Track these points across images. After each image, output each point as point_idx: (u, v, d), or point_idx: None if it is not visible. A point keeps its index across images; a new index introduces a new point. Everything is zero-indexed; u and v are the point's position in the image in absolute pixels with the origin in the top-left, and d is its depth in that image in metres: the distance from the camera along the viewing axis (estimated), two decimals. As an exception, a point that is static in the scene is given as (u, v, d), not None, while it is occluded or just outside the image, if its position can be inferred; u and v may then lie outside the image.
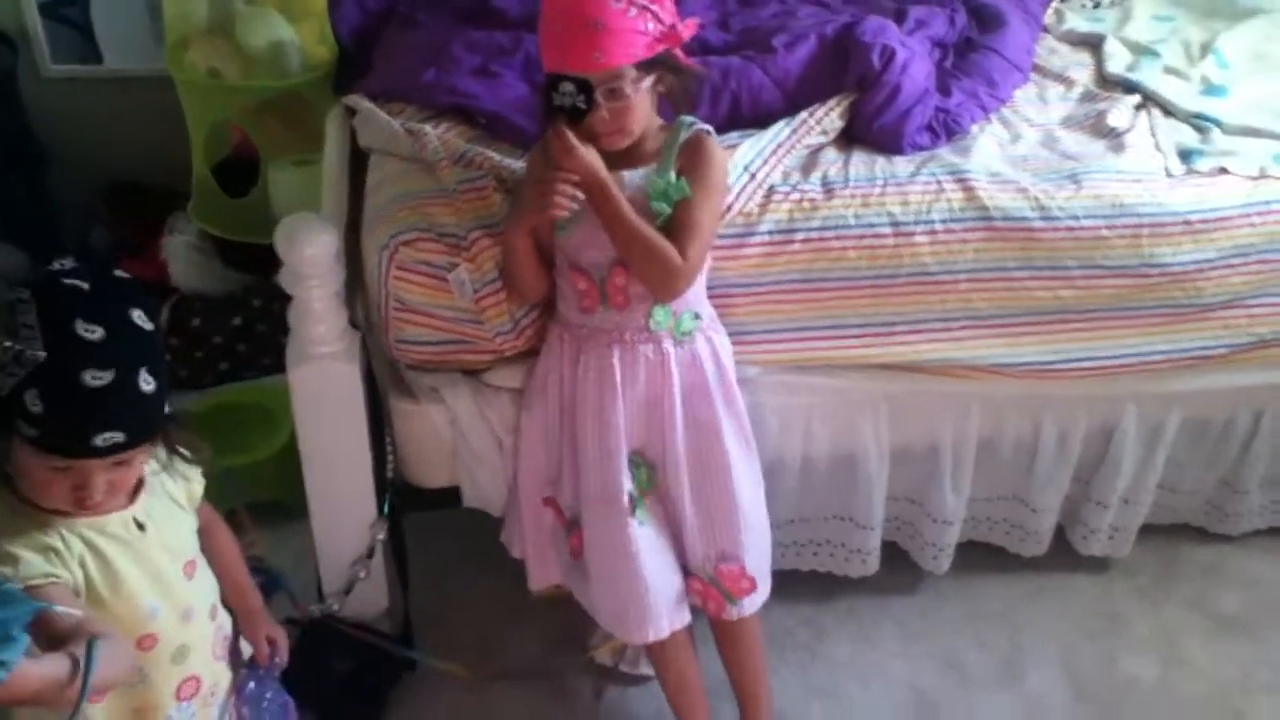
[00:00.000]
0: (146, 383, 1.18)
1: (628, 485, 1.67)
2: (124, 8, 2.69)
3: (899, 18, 2.22)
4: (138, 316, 1.20)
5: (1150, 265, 1.85)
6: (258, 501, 2.16)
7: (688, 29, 1.61)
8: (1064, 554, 2.18)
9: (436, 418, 1.80)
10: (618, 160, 1.63)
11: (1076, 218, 1.82)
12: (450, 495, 1.89)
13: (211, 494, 2.17)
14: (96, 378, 1.14)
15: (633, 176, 1.63)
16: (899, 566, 2.12)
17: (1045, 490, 2.05)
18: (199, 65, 2.21)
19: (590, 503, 1.70)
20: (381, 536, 1.83)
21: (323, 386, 1.70)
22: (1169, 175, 1.89)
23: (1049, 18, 2.50)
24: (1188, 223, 1.85)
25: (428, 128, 1.89)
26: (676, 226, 1.61)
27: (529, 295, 1.72)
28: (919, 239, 1.80)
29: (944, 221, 1.81)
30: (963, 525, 2.08)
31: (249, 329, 2.52)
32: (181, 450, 1.34)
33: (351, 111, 2.08)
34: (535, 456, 1.77)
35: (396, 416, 1.82)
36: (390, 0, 2.37)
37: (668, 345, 1.67)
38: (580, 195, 1.57)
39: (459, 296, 1.72)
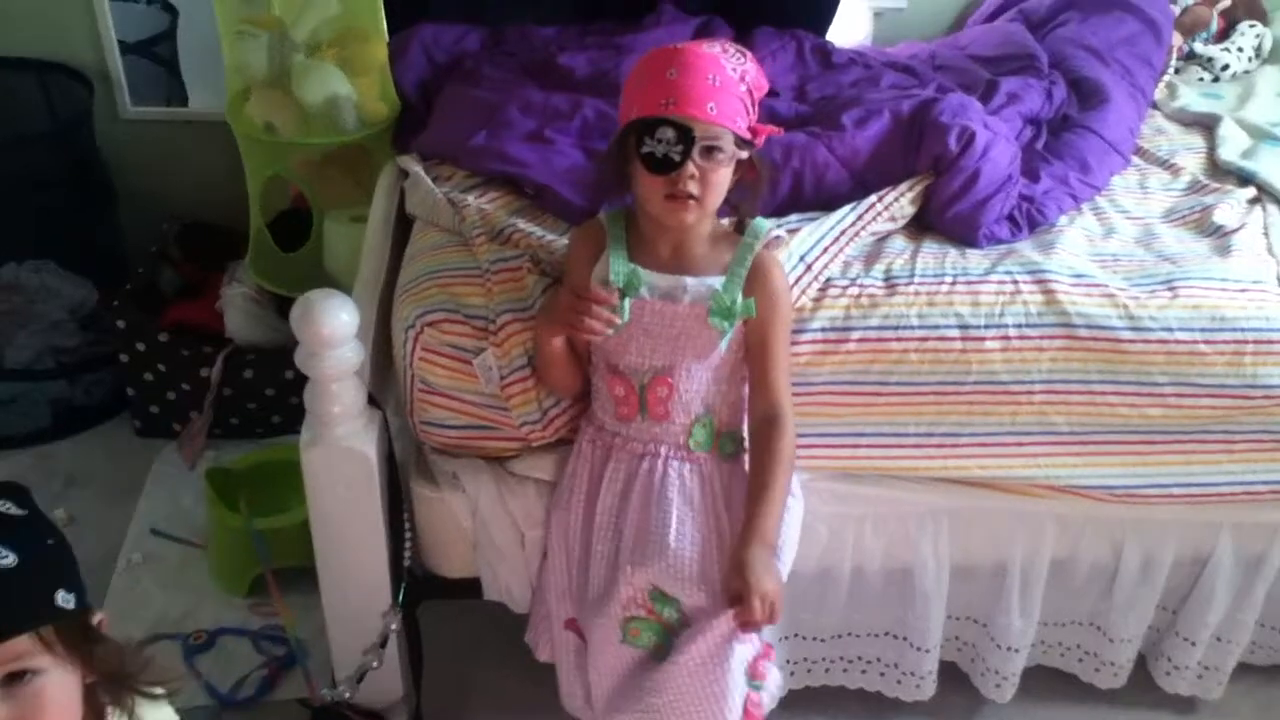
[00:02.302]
0: (1, 556, 0.96)
1: (629, 611, 1.55)
2: (212, 49, 2.68)
3: (990, 90, 2.07)
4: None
5: (1254, 386, 1.65)
6: (288, 567, 2.09)
7: (764, 132, 1.51)
8: (1146, 689, 1.97)
9: (457, 506, 1.70)
10: (677, 263, 1.54)
11: (1170, 329, 1.64)
12: (470, 585, 1.78)
13: (238, 557, 2.16)
14: None
15: (695, 285, 1.52)
16: (958, 688, 1.94)
17: (1126, 619, 1.85)
18: (256, 118, 2.18)
19: (589, 615, 1.58)
20: (395, 627, 1.73)
21: (337, 469, 1.61)
22: (1281, 285, 1.69)
23: (1160, 92, 2.31)
24: (1300, 340, 1.65)
25: (470, 198, 1.80)
26: (763, 371, 1.54)
27: (560, 391, 1.62)
28: (989, 344, 1.64)
29: (1018, 326, 1.64)
30: (1031, 649, 1.89)
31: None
32: (130, 680, 1.07)
33: (405, 172, 2.01)
34: (558, 571, 1.65)
35: (416, 502, 1.72)
36: (457, 52, 2.31)
37: (709, 468, 1.56)
38: (618, 320, 1.49)
39: (484, 383, 1.62)
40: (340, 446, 1.59)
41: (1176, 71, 2.38)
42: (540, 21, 2.39)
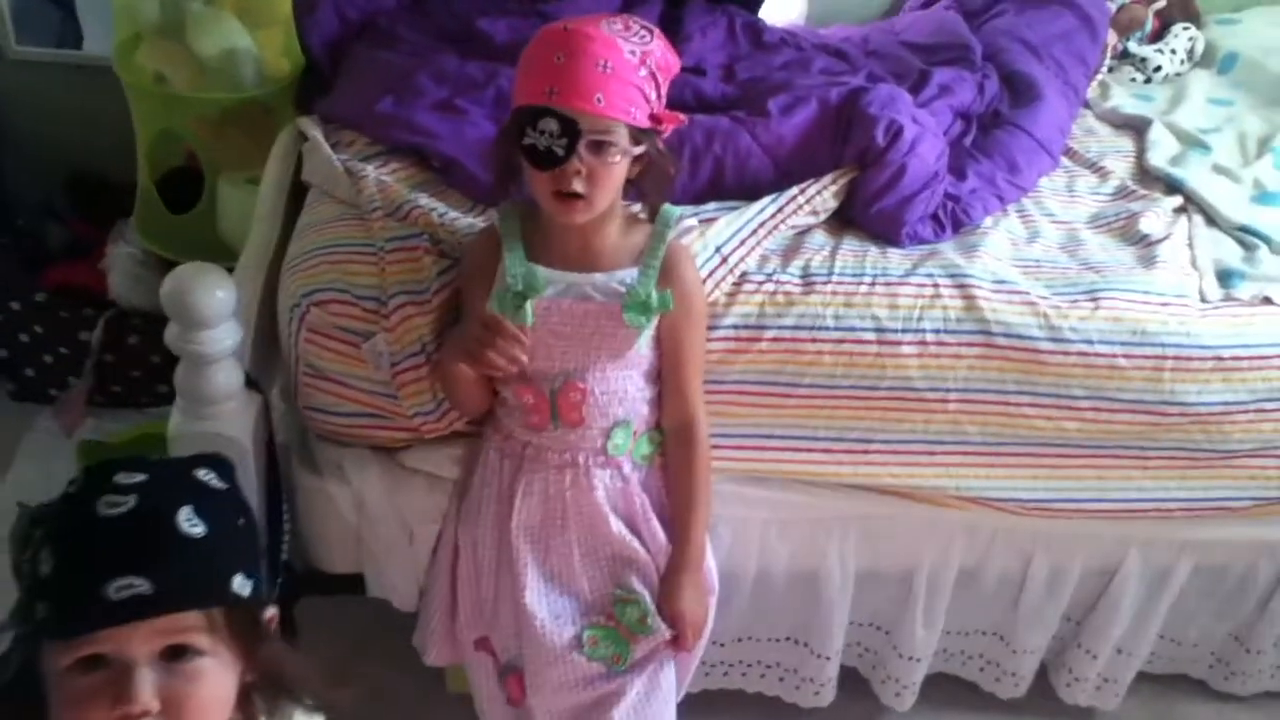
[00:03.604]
0: (191, 523, 0.91)
1: (590, 619, 1.47)
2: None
3: (922, 80, 2.00)
4: (200, 473, 0.96)
5: (1170, 402, 1.61)
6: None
7: (670, 121, 1.40)
8: (1045, 697, 1.94)
9: (341, 498, 1.59)
10: (584, 258, 1.43)
11: (1090, 341, 1.59)
12: (354, 581, 1.69)
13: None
14: (113, 504, 0.89)
15: (605, 280, 1.43)
16: (857, 694, 1.90)
17: (1030, 630, 1.82)
18: (146, 69, 2.02)
19: (525, 637, 1.47)
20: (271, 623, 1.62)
21: (210, 457, 1.50)
22: (1203, 300, 1.65)
23: (1092, 91, 2.26)
24: (1219, 359, 1.61)
25: (370, 169, 1.69)
26: (676, 374, 1.46)
27: (469, 412, 1.53)
28: (906, 349, 1.58)
29: (936, 331, 1.58)
30: (933, 657, 1.85)
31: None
32: (290, 687, 1.01)
33: (305, 136, 1.88)
34: (467, 585, 1.54)
35: (298, 493, 1.62)
36: (372, 10, 2.18)
37: (629, 470, 1.48)
38: (523, 359, 1.38)
39: (373, 368, 1.51)
40: (211, 433, 1.48)
41: (1110, 70, 2.33)
42: (459, -18, 2.26)
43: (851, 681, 1.88)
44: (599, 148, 1.34)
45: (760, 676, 1.84)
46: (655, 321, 1.44)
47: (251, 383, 1.54)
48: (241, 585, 0.94)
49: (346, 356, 1.53)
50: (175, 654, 0.91)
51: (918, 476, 1.64)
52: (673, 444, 1.49)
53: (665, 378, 1.48)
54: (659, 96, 1.39)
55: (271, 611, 1.01)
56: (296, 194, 1.82)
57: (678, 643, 1.46)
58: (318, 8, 2.11)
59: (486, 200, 1.67)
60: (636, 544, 1.47)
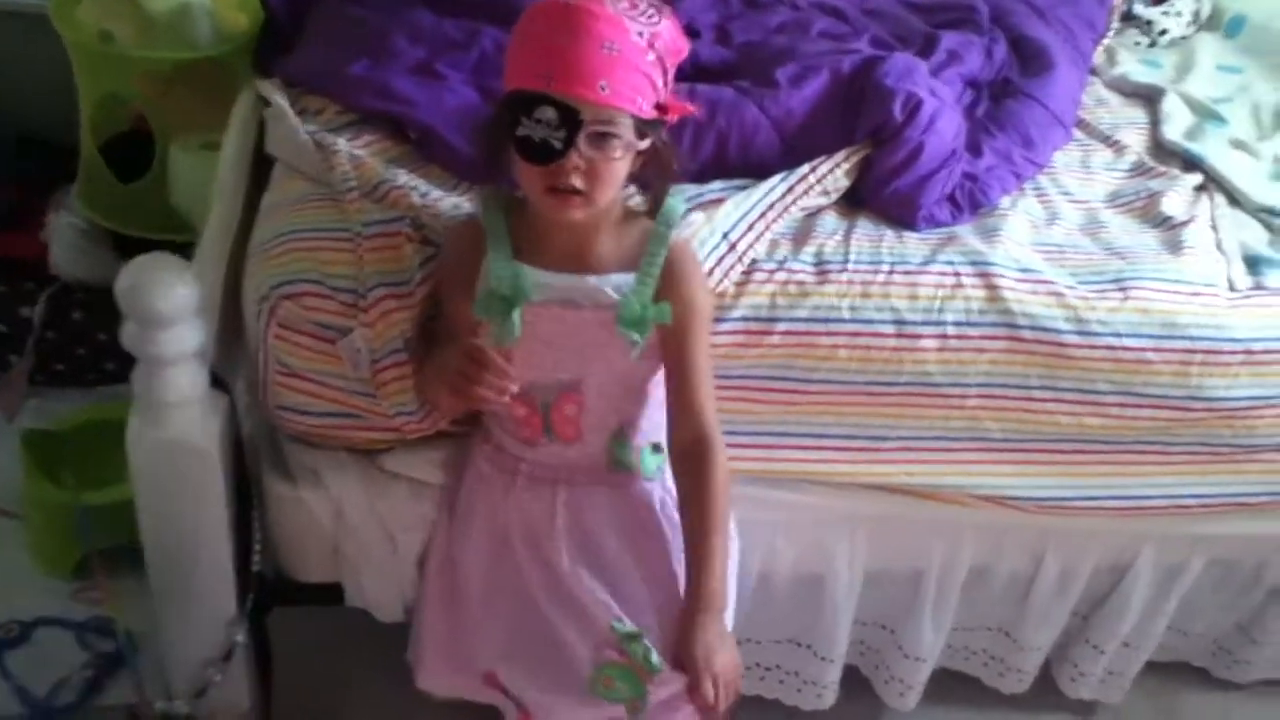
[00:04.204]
0: None
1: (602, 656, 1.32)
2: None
3: (929, 45, 1.89)
4: None
5: (1197, 398, 1.53)
6: (118, 546, 1.83)
7: (676, 111, 1.25)
8: (1046, 692, 1.88)
9: (317, 506, 1.47)
10: (576, 259, 1.29)
11: (1119, 335, 1.50)
12: (330, 591, 1.56)
13: (61, 535, 1.88)
14: None
15: (598, 287, 1.29)
16: (858, 694, 1.82)
17: (1038, 628, 1.75)
18: (89, 24, 1.84)
19: (539, 674, 1.35)
20: (241, 639, 1.50)
21: (171, 466, 1.36)
22: (1232, 289, 1.56)
23: (1099, 57, 2.15)
24: (1249, 352, 1.53)
25: (341, 142, 1.54)
26: (684, 387, 1.31)
27: (454, 416, 1.40)
28: (926, 342, 1.48)
29: (958, 324, 1.48)
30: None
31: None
32: None
33: (266, 100, 1.72)
34: (469, 608, 1.40)
35: (269, 500, 1.49)
36: (334, -40, 2.00)
37: (637, 487, 1.37)
38: (513, 389, 1.23)
39: (350, 368, 1.38)
40: (175, 439, 1.34)
41: (1114, 33, 2.23)
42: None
43: (851, 680, 1.80)
44: (601, 140, 1.20)
45: (760, 679, 1.76)
46: (652, 332, 1.31)
47: (217, 381, 1.40)
48: None
49: (321, 353, 1.40)
50: None
51: (933, 475, 1.55)
52: (683, 464, 1.34)
53: (671, 391, 1.33)
54: (666, 84, 1.25)
55: None
56: (259, 165, 1.67)
57: (695, 695, 1.27)
58: (275, -44, 1.94)
59: (469, 177, 1.54)
60: (639, 572, 1.35)
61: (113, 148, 2.06)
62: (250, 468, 1.49)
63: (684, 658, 1.27)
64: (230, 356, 1.51)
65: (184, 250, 2.08)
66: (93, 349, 2.18)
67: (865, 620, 1.74)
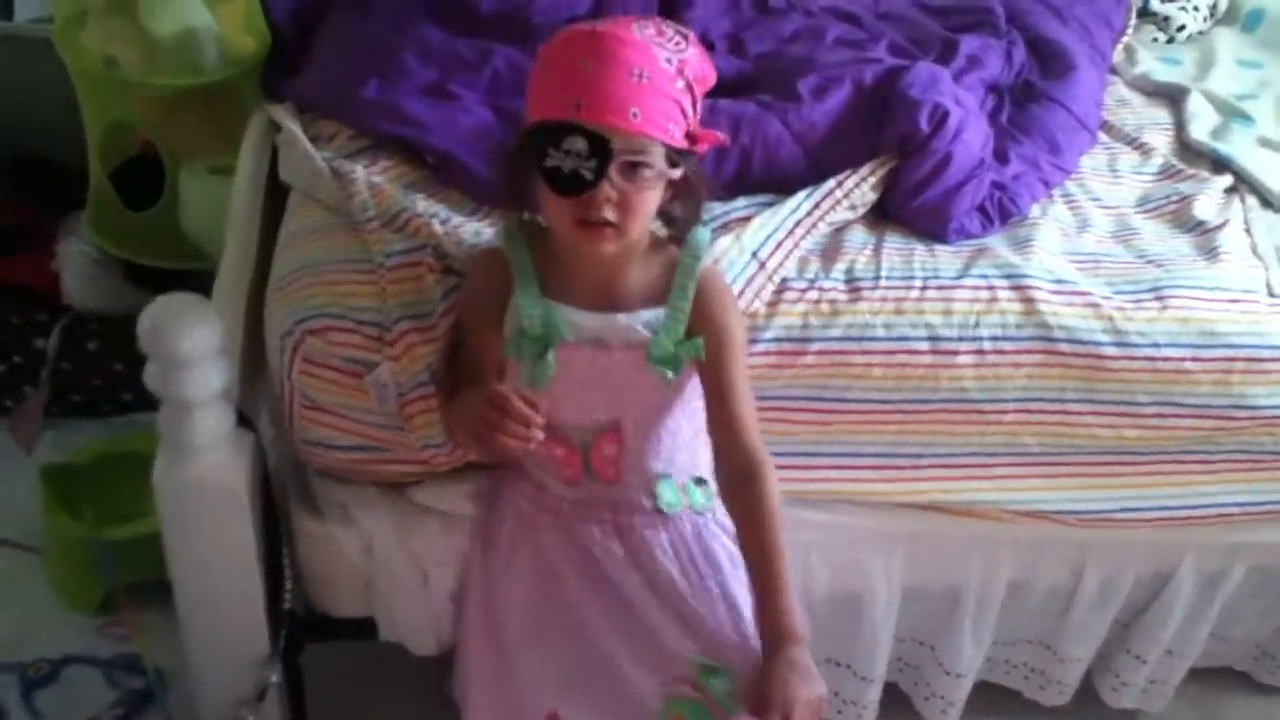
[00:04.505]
0: None
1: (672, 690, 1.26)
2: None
3: (949, 50, 1.85)
4: None
5: (1239, 406, 1.50)
6: (144, 581, 1.80)
7: (705, 141, 1.22)
8: (1089, 702, 1.85)
9: (347, 543, 1.44)
10: (604, 295, 1.26)
11: (1158, 345, 1.47)
12: (364, 625, 1.54)
13: (83, 570, 1.85)
14: None
15: (628, 325, 1.25)
16: (898, 711, 1.79)
17: (1079, 640, 1.73)
18: (93, 50, 1.81)
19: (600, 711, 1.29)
20: (275, 679, 1.48)
21: (199, 506, 1.34)
22: (1271, 295, 1.54)
23: (1117, 55, 2.12)
24: (1291, 357, 1.50)
25: (359, 169, 1.51)
26: (728, 415, 1.26)
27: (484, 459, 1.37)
28: (962, 358, 1.45)
29: (994, 339, 1.45)
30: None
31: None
32: None
33: (278, 125, 1.69)
34: (522, 648, 1.34)
35: (298, 536, 1.46)
36: (341, -24, 1.98)
37: (689, 527, 1.33)
38: (539, 437, 1.19)
39: (377, 403, 1.36)
40: (202, 481, 1.32)
41: (1133, 30, 2.20)
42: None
43: (890, 698, 1.77)
44: (633, 170, 1.17)
45: (798, 700, 1.73)
46: (686, 367, 1.28)
47: (243, 419, 1.38)
48: None
49: (347, 387, 1.37)
50: None
51: (971, 491, 1.52)
52: (734, 490, 1.28)
53: (713, 418, 1.29)
54: (695, 112, 1.22)
55: None
56: (274, 192, 1.65)
57: None
58: (280, -28, 1.91)
59: (488, 200, 1.51)
60: (704, 608, 1.30)
61: (121, 174, 2.03)
62: (278, 504, 1.46)
63: (773, 699, 1.15)
64: (253, 390, 1.48)
65: (195, 276, 2.08)
66: (108, 379, 2.16)
67: (904, 637, 1.71)
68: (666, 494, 1.32)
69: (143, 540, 1.83)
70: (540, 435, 1.20)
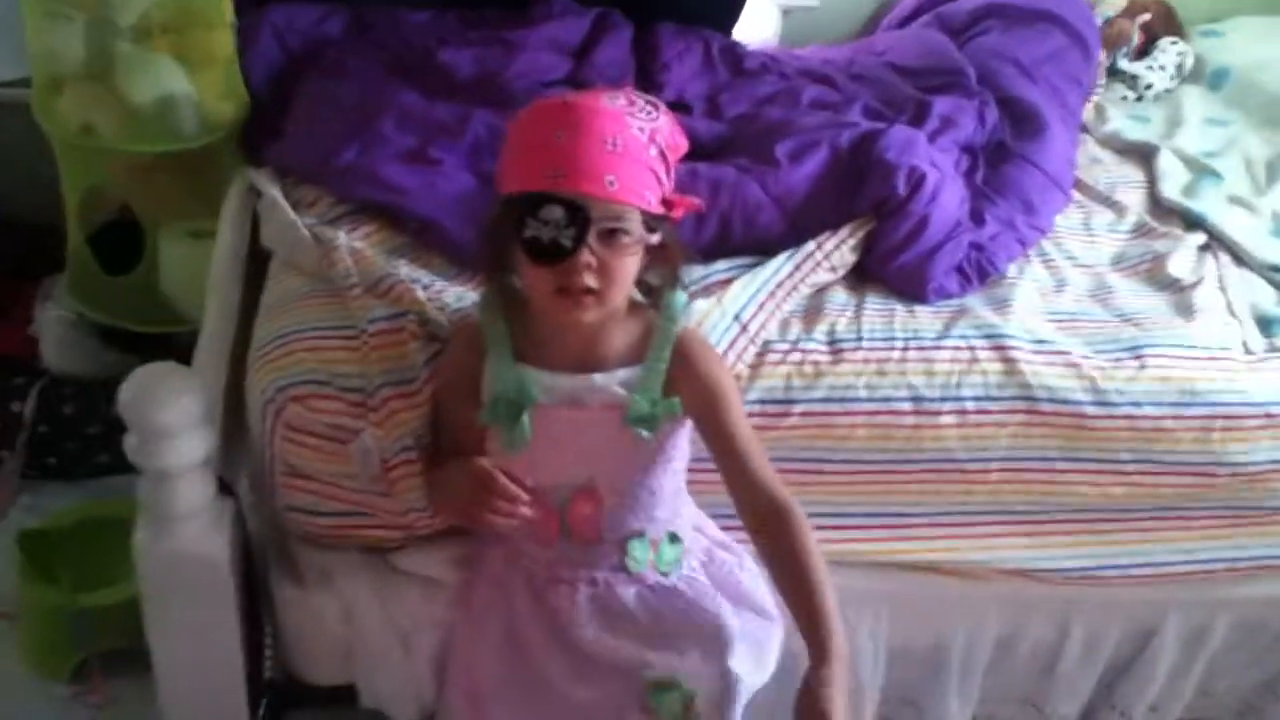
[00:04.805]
0: None
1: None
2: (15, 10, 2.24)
3: (921, 111, 1.88)
4: None
5: (1220, 463, 1.52)
6: (116, 649, 1.77)
7: (681, 206, 1.24)
8: (1074, 758, 1.85)
9: (327, 610, 1.42)
10: (582, 358, 1.26)
11: (1138, 404, 1.49)
12: (344, 692, 1.52)
13: (58, 638, 1.82)
14: None
15: (604, 383, 1.26)
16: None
17: (1065, 697, 1.72)
18: (71, 117, 1.81)
19: None
20: (253, 750, 1.45)
21: (180, 577, 1.32)
22: (1248, 352, 1.56)
23: (1087, 114, 2.16)
24: (1269, 415, 1.52)
25: (341, 235, 1.51)
26: (739, 468, 1.27)
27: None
28: (945, 419, 1.46)
29: (976, 399, 1.47)
30: (964, 727, 1.74)
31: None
32: None
33: (258, 190, 1.69)
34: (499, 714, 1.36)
35: (278, 604, 1.44)
36: (317, 38, 1.99)
37: (653, 582, 1.34)
38: (526, 514, 1.23)
39: (360, 469, 1.35)
40: (184, 552, 1.30)
41: (1101, 89, 2.24)
42: (409, 4, 2.08)
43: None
44: (611, 236, 1.18)
45: (784, 762, 1.72)
46: (663, 427, 1.28)
47: (224, 486, 1.36)
48: None
49: (329, 454, 1.36)
50: None
51: (956, 551, 1.53)
52: (764, 535, 1.27)
53: (726, 471, 1.29)
54: (669, 179, 1.24)
55: None
56: (253, 255, 1.64)
57: None
58: (258, 37, 1.92)
59: (472, 265, 1.51)
60: (673, 637, 1.32)
61: (100, 237, 2.03)
62: (259, 570, 1.44)
63: (799, 711, 1.20)
64: (233, 455, 1.47)
65: (173, 339, 2.07)
66: (84, 442, 2.13)
67: (890, 697, 1.70)
68: (636, 551, 1.32)
69: (119, 607, 1.80)
70: (527, 512, 1.22)
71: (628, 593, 1.33)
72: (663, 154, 1.22)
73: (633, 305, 1.33)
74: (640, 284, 1.29)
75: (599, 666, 1.32)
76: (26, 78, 1.98)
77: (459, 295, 1.44)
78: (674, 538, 1.35)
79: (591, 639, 1.32)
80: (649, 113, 1.22)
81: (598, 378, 1.26)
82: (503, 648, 1.36)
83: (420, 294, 1.41)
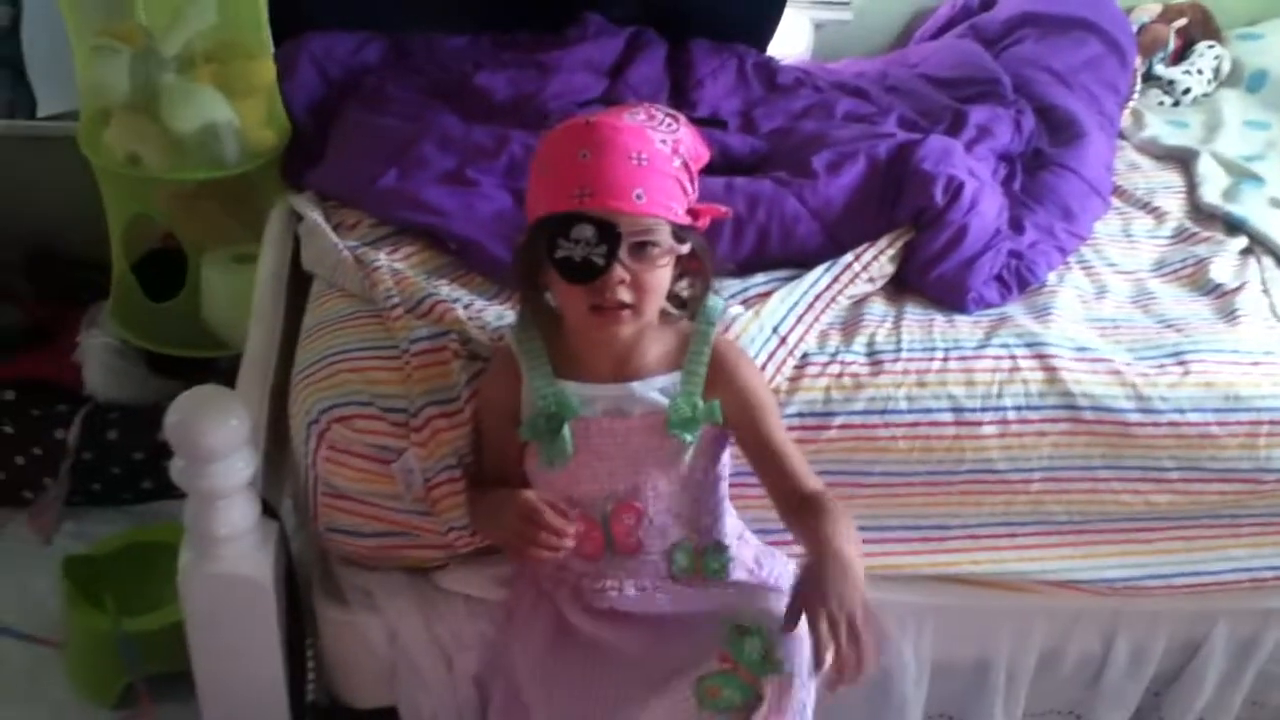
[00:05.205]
0: None
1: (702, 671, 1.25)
2: (68, 46, 2.29)
3: (958, 121, 1.87)
4: None
5: (1266, 470, 1.50)
6: (162, 673, 1.79)
7: (706, 215, 1.24)
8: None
9: (370, 630, 1.43)
10: (620, 370, 1.27)
11: (1182, 411, 1.47)
12: (386, 715, 1.52)
13: (105, 663, 1.84)
14: None
15: (644, 391, 1.27)
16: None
17: (1111, 709, 1.69)
18: (117, 148, 1.84)
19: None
20: (299, 771, 1.46)
21: (225, 599, 1.34)
22: (1293, 356, 1.54)
23: (1125, 120, 2.14)
24: (1316, 420, 1.49)
25: (382, 256, 1.53)
26: (776, 471, 1.27)
27: None
28: (986, 429, 1.45)
29: (1018, 409, 1.45)
30: (1008, 740, 1.72)
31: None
32: None
33: (299, 214, 1.72)
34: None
35: (321, 624, 1.45)
36: (356, 66, 2.02)
37: (698, 588, 1.33)
38: (570, 545, 1.24)
39: (404, 489, 1.36)
40: (228, 574, 1.32)
41: (1138, 95, 2.22)
42: (445, 30, 2.11)
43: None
44: (642, 249, 1.19)
45: (830, 777, 1.70)
46: (702, 431, 1.28)
47: (267, 509, 1.38)
48: None
49: (373, 474, 1.37)
50: None
51: (999, 563, 1.52)
52: (798, 515, 1.26)
53: (764, 475, 1.30)
54: (694, 188, 1.25)
55: None
56: (296, 279, 1.66)
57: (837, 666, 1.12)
58: (297, 66, 1.95)
59: (511, 284, 1.52)
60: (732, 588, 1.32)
61: (143, 265, 2.06)
62: (302, 592, 1.46)
63: (811, 604, 1.14)
64: (276, 476, 1.49)
65: (215, 364, 2.09)
66: (129, 468, 2.16)
67: (934, 712, 1.69)
68: (681, 559, 1.32)
69: (165, 631, 1.82)
70: (571, 544, 1.24)
71: (671, 595, 1.33)
72: (686, 164, 1.23)
73: (664, 316, 1.33)
74: (672, 297, 1.30)
75: (664, 631, 1.30)
76: (74, 111, 2.02)
77: (499, 314, 1.45)
78: (719, 546, 1.35)
79: (667, 601, 1.31)
80: (669, 125, 1.24)
81: (636, 386, 1.27)
82: (553, 642, 1.36)
83: (461, 313, 1.42)
